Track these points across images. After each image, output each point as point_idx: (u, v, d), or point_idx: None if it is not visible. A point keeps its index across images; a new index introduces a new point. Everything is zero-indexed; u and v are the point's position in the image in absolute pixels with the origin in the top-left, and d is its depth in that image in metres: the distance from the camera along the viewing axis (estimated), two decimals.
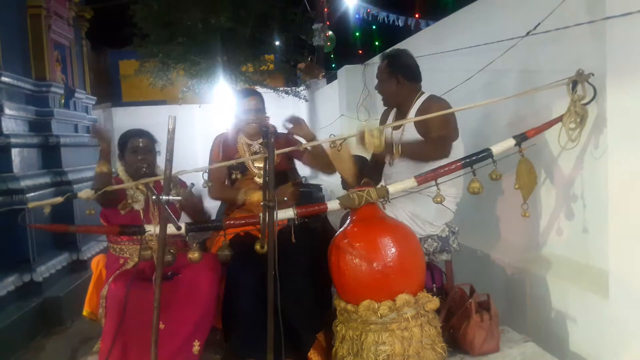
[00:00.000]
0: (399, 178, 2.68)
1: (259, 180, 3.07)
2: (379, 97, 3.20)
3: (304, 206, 2.74)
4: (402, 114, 2.99)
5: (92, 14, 6.63)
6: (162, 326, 2.58)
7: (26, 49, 4.98)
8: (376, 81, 3.10)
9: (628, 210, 2.27)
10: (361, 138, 2.54)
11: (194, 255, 2.51)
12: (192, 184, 2.94)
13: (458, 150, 2.83)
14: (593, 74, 2.44)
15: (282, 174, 3.15)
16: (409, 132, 2.89)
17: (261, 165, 3.04)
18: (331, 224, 3.07)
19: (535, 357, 2.51)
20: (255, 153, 3.10)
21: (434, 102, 2.87)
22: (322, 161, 3.02)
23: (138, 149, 2.87)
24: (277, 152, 2.92)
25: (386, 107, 3.23)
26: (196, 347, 2.64)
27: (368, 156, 3.16)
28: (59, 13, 5.49)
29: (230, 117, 3.20)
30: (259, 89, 6.21)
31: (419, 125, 2.83)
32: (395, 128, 2.98)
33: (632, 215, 2.25)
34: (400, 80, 2.95)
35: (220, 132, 3.25)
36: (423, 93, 2.97)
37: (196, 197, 2.93)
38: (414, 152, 2.75)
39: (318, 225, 3.02)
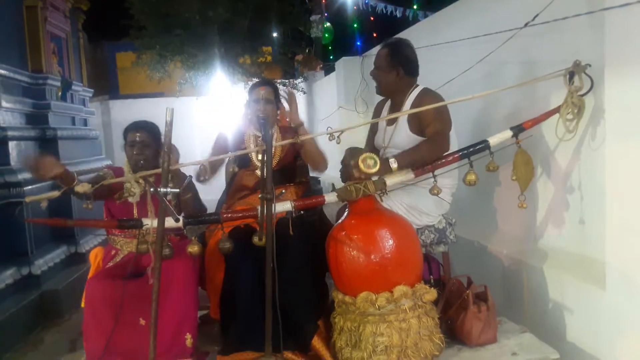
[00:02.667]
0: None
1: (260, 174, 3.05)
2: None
3: (302, 199, 2.74)
4: (395, 107, 2.97)
5: (88, 5, 6.59)
6: (142, 322, 2.59)
7: (22, 41, 4.95)
8: (372, 68, 3.04)
9: (625, 201, 2.28)
10: (355, 167, 2.47)
11: (193, 248, 2.52)
12: (190, 176, 2.94)
13: (451, 141, 2.83)
14: (590, 65, 2.44)
15: (288, 171, 3.13)
16: (403, 129, 2.87)
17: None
18: (327, 216, 3.07)
19: (533, 348, 2.52)
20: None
21: (429, 96, 2.83)
22: (314, 157, 3.03)
23: (135, 142, 2.86)
24: (275, 144, 2.93)
25: (379, 101, 3.22)
26: (188, 340, 2.65)
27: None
28: (55, 5, 5.45)
29: (230, 110, 3.19)
30: (255, 80, 6.20)
31: (412, 121, 2.81)
32: (389, 123, 2.96)
33: (629, 207, 2.25)
34: (400, 71, 2.90)
35: (219, 127, 3.23)
36: (417, 86, 2.94)
37: (193, 190, 2.92)
38: (413, 161, 2.62)
39: (315, 217, 3.02)
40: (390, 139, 2.92)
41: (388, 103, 3.11)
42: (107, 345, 2.56)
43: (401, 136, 2.86)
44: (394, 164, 2.53)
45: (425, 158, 2.61)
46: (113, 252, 2.91)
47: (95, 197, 2.73)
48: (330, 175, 3.22)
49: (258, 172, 3.06)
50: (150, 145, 2.89)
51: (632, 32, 2.17)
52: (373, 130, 3.19)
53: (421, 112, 2.68)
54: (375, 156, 2.47)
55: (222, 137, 3.21)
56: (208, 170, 2.98)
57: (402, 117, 2.84)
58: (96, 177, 2.86)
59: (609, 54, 2.31)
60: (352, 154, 2.59)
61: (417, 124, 2.78)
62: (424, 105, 2.70)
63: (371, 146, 3.17)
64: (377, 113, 3.20)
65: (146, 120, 2.94)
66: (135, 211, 2.85)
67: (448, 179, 2.79)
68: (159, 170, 2.62)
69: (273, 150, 2.92)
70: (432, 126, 2.72)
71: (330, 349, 2.60)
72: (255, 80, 6.49)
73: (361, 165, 2.43)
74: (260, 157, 3.04)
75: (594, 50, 2.47)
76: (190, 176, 2.93)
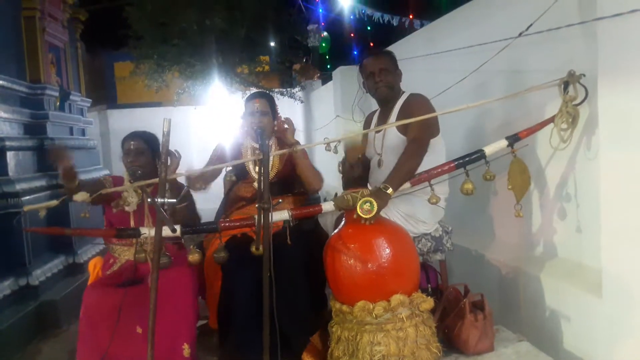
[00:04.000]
0: None
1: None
2: (373, 99, 3.21)
3: (299, 207, 2.75)
4: (385, 113, 3.04)
5: (86, 15, 6.61)
6: (139, 331, 2.59)
7: (20, 51, 4.96)
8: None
9: (620, 209, 2.29)
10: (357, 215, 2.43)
11: (193, 257, 2.53)
12: (187, 187, 2.95)
13: (439, 146, 2.87)
14: (584, 75, 2.46)
15: (286, 182, 3.14)
16: (392, 132, 2.91)
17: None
18: (322, 226, 3.09)
19: (530, 356, 2.53)
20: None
21: (416, 99, 2.92)
22: (307, 173, 3.04)
23: (130, 151, 2.89)
24: (271, 153, 2.94)
25: (369, 113, 3.32)
26: (186, 350, 2.65)
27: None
28: (53, 15, 5.47)
29: (228, 120, 3.20)
30: (252, 90, 6.22)
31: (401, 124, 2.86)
32: (379, 130, 3.00)
33: (625, 215, 2.26)
34: (400, 74, 3.02)
35: (217, 137, 3.24)
36: (404, 92, 3.03)
37: (190, 200, 2.94)
38: (403, 178, 2.60)
39: (311, 227, 3.03)
40: (382, 145, 2.96)
41: (376, 115, 3.17)
42: (103, 355, 2.54)
43: (392, 139, 2.92)
44: (389, 190, 2.49)
45: (411, 169, 2.63)
46: (111, 260, 2.92)
47: (93, 203, 2.77)
48: (329, 184, 3.23)
49: (256, 184, 3.07)
50: (144, 152, 2.91)
51: (624, 41, 2.19)
52: (364, 142, 3.23)
53: (407, 115, 2.75)
54: (370, 199, 2.40)
55: (220, 147, 3.22)
56: (201, 179, 2.98)
57: (391, 122, 2.89)
58: (96, 184, 2.89)
59: (602, 63, 2.33)
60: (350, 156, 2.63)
61: (404, 125, 2.82)
62: (412, 107, 2.80)
63: (364, 157, 3.19)
64: (367, 125, 3.26)
65: (144, 130, 2.96)
66: (132, 220, 2.86)
67: (440, 186, 2.81)
68: (156, 180, 2.64)
69: (271, 161, 2.94)
70: (413, 132, 2.76)
71: None
72: (253, 90, 6.51)
73: (360, 213, 2.39)
74: (257, 168, 3.06)
75: (588, 60, 2.50)
76: (187, 187, 2.94)
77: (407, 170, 2.62)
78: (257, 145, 3.10)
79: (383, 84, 2.97)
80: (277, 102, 3.26)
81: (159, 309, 2.57)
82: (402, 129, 2.86)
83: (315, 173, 3.08)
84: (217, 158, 3.17)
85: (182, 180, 2.89)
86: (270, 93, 8.40)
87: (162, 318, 2.60)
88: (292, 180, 3.18)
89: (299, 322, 2.66)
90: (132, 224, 2.84)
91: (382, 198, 2.45)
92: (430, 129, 2.81)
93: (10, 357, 3.51)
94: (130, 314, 2.59)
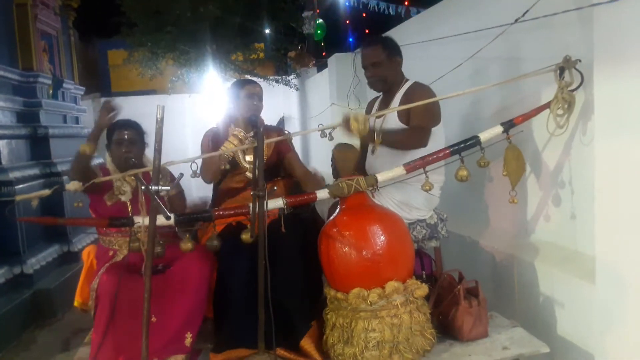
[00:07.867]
0: (383, 168, 2.71)
1: (250, 175, 3.04)
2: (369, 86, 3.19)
3: (294, 195, 2.75)
4: (387, 100, 3.01)
5: (79, 3, 6.56)
6: (153, 319, 2.59)
7: (12, 39, 4.93)
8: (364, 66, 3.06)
9: (615, 196, 2.29)
10: (346, 123, 2.57)
11: (186, 245, 2.51)
12: (181, 174, 2.93)
13: (439, 136, 2.86)
14: (580, 61, 2.46)
15: (273, 169, 3.13)
16: (392, 119, 2.89)
17: (252, 159, 3.01)
18: (319, 213, 3.08)
19: (523, 342, 2.54)
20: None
21: (419, 89, 2.90)
22: (310, 184, 3.03)
23: (123, 140, 2.87)
24: (266, 141, 2.92)
25: (371, 99, 3.27)
26: (188, 339, 2.65)
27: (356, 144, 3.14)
28: (45, 2, 5.43)
29: (223, 107, 3.16)
30: (248, 77, 6.18)
31: (401, 113, 2.85)
32: (379, 115, 2.99)
33: (619, 202, 2.27)
34: (397, 62, 2.98)
35: (210, 125, 3.21)
36: (407, 80, 2.99)
37: (180, 188, 2.93)
38: (394, 141, 2.78)
39: (307, 214, 3.02)
40: (380, 131, 2.95)
41: (378, 101, 3.15)
42: (115, 340, 2.54)
43: (390, 126, 2.90)
44: (378, 139, 2.69)
45: (403, 144, 2.79)
46: (111, 252, 2.89)
47: (86, 191, 2.75)
48: (324, 171, 3.21)
49: (247, 173, 3.05)
50: (137, 143, 2.90)
51: (620, 28, 2.18)
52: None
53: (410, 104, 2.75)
54: (367, 118, 2.55)
55: (212, 133, 3.17)
56: (205, 171, 2.97)
57: (392, 112, 2.88)
58: (94, 169, 2.90)
59: (598, 50, 2.32)
60: (341, 150, 2.63)
61: (405, 114, 2.82)
62: (414, 97, 2.79)
63: (364, 144, 3.18)
64: (369, 111, 3.23)
65: (129, 119, 2.94)
66: (130, 209, 2.84)
67: (435, 174, 2.81)
68: (150, 168, 2.62)
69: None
70: (417, 120, 2.80)
71: (321, 348, 2.60)
72: (247, 78, 6.47)
73: (353, 123, 2.51)
74: (247, 158, 3.04)
75: (584, 46, 2.49)
76: (181, 174, 2.93)
77: (400, 141, 2.78)
78: (244, 134, 3.06)
79: (375, 79, 3.00)
80: (272, 89, 3.25)
81: (173, 297, 2.60)
82: (404, 118, 2.84)
83: (310, 178, 3.07)
84: (213, 144, 3.12)
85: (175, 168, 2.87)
86: (266, 80, 8.41)
87: (175, 307, 2.62)
88: (279, 166, 3.18)
89: (296, 308, 2.66)
90: (130, 213, 2.81)
91: (370, 135, 2.71)
92: (432, 120, 2.83)
93: (6, 346, 3.51)
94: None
